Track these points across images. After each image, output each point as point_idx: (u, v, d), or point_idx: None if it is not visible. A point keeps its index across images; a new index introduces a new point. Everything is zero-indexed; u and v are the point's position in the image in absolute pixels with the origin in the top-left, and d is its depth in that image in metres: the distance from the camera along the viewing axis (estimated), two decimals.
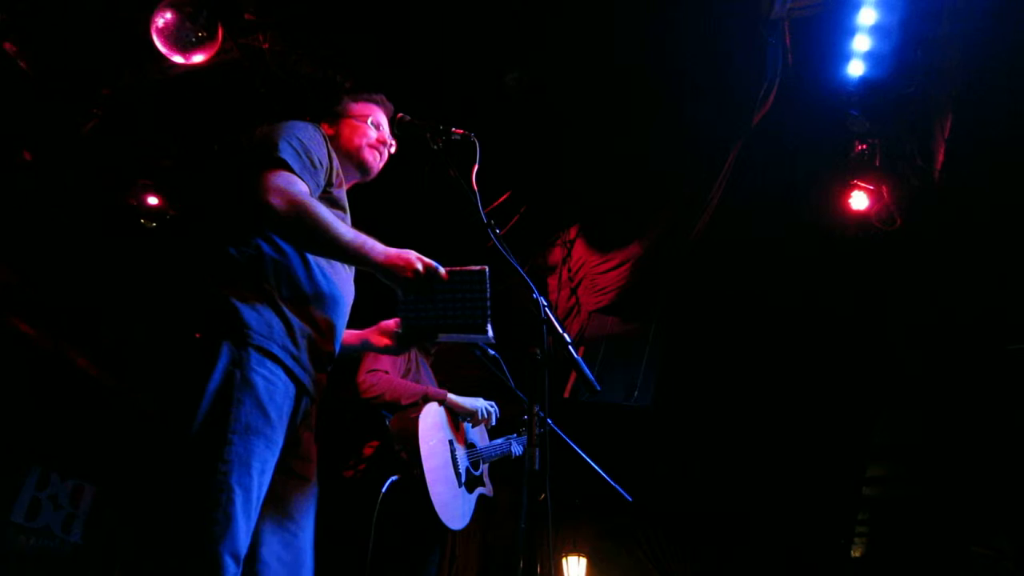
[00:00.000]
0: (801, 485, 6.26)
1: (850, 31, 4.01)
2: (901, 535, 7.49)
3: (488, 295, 1.86)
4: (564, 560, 6.30)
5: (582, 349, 5.60)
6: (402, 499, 3.08)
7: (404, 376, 3.49)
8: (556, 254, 5.72)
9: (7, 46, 3.74)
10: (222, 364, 1.67)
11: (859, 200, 4.53)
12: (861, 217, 4.59)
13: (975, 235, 4.61)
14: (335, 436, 3.28)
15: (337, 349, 2.01)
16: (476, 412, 3.53)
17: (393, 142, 2.32)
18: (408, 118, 2.27)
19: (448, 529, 3.23)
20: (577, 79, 4.43)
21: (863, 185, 4.50)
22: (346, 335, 2.13)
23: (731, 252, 5.12)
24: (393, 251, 1.86)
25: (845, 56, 4.08)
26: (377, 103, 2.32)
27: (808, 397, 5.91)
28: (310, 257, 1.92)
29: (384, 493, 3.04)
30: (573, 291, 5.68)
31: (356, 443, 3.36)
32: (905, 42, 3.96)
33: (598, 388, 2.05)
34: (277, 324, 1.78)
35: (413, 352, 3.63)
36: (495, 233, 2.05)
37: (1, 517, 4.46)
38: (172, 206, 4.78)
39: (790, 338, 5.63)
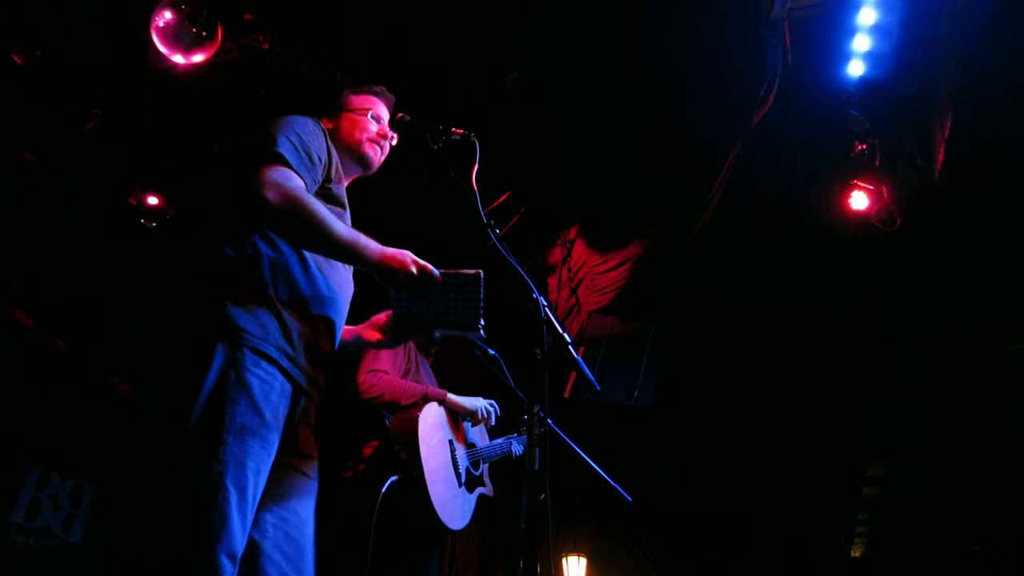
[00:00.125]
0: (801, 485, 6.26)
1: (850, 31, 4.01)
2: (901, 535, 7.48)
3: (482, 297, 1.88)
4: (564, 560, 6.30)
5: (582, 349, 5.60)
6: (402, 499, 3.08)
7: (404, 376, 3.49)
8: (556, 254, 5.72)
9: (8, 45, 3.74)
10: (217, 364, 1.67)
11: (859, 200, 4.53)
12: (861, 217, 4.59)
13: (975, 235, 4.61)
14: (335, 436, 3.28)
15: (336, 347, 2.01)
16: (476, 412, 3.53)
17: (394, 135, 2.31)
18: (408, 118, 2.26)
19: (448, 529, 3.23)
20: (577, 79, 4.43)
21: (863, 185, 4.50)
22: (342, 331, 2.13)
23: (731, 252, 5.12)
24: (389, 250, 1.86)
25: (845, 56, 4.08)
26: (378, 95, 2.31)
27: (808, 397, 5.91)
28: (308, 256, 1.92)
29: (384, 493, 3.04)
30: (573, 291, 5.68)
31: (356, 443, 3.37)
32: (905, 42, 3.96)
33: (598, 388, 2.05)
34: (273, 325, 1.78)
35: (413, 352, 3.63)
36: (495, 233, 2.05)
37: (1, 517, 4.45)
38: (172, 206, 4.78)
39: (790, 338, 5.63)
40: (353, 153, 2.21)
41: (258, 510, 1.73)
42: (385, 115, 2.30)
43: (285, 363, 1.78)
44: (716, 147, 4.64)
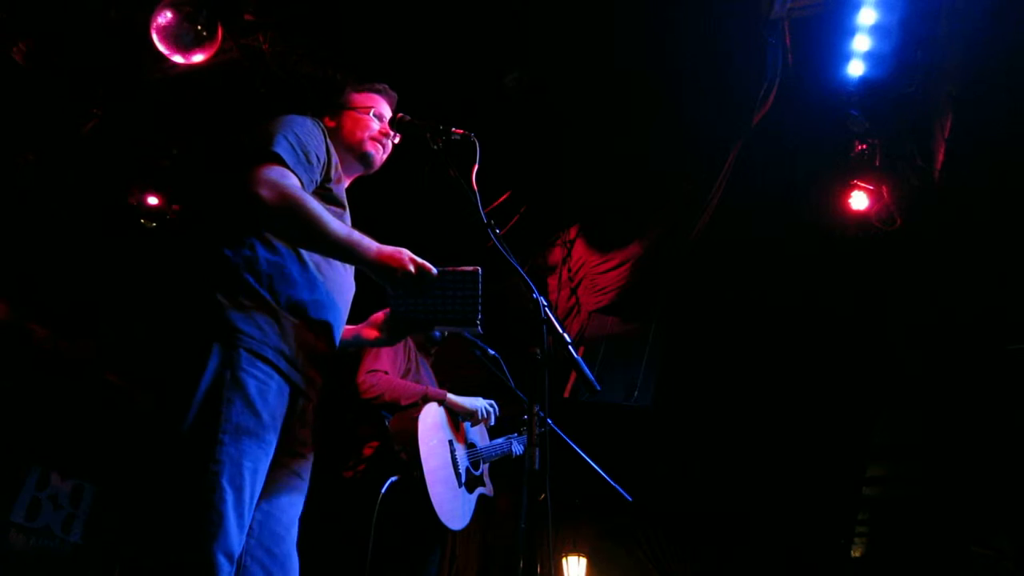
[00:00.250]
0: (801, 485, 6.26)
1: (850, 31, 4.00)
2: (901, 535, 7.49)
3: (480, 294, 1.89)
4: (564, 560, 6.30)
5: (582, 349, 5.60)
6: (402, 499, 3.08)
7: (404, 376, 3.49)
8: (556, 254, 5.72)
9: (9, 44, 3.74)
10: (212, 365, 1.67)
11: (859, 200, 4.53)
12: (861, 217, 4.59)
13: (975, 235, 4.61)
14: (335, 436, 3.28)
15: (335, 348, 2.01)
16: (476, 412, 3.53)
17: (396, 133, 2.31)
18: (408, 118, 2.26)
19: (448, 529, 3.23)
20: (577, 79, 4.43)
21: (863, 185, 4.51)
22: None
23: (731, 252, 5.12)
24: (386, 249, 1.85)
25: (845, 56, 4.08)
26: (380, 93, 2.30)
27: (808, 397, 5.91)
28: (307, 257, 1.91)
29: (384, 493, 3.04)
30: (573, 291, 5.68)
31: (356, 443, 3.36)
32: (905, 42, 3.96)
33: (598, 388, 2.05)
34: (270, 327, 1.78)
35: (413, 352, 3.63)
36: (495, 233, 2.04)
37: (1, 517, 4.46)
38: (172, 206, 4.78)
39: (790, 338, 5.64)
40: (355, 151, 2.20)
41: None
42: (388, 113, 2.29)
43: (282, 364, 1.78)
44: (716, 147, 4.64)
